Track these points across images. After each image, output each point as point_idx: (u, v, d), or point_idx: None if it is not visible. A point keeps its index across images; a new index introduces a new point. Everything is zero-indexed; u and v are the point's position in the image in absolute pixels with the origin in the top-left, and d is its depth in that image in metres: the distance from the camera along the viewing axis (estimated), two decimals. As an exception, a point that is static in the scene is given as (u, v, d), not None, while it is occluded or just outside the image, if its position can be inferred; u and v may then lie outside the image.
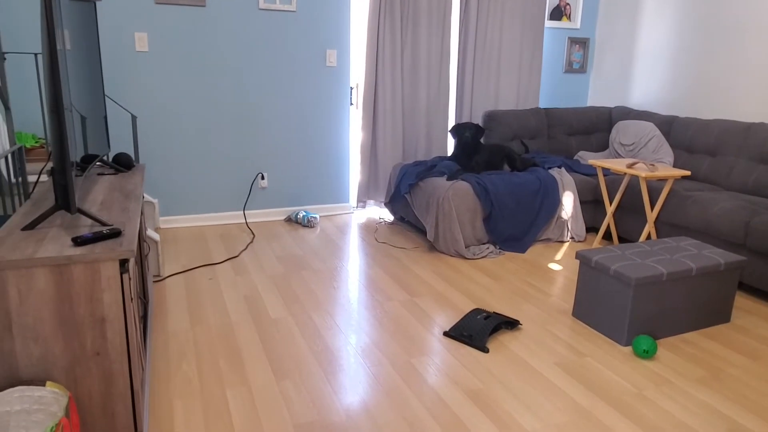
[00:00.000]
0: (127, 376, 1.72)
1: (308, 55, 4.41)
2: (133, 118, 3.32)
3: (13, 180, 2.84)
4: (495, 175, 4.01)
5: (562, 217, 4.12)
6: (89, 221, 1.90)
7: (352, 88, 4.66)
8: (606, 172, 4.23)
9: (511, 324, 2.74)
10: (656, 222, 3.78)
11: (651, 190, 3.83)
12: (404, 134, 4.77)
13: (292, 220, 4.55)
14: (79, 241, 1.66)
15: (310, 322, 2.77)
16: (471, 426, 2.00)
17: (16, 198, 2.86)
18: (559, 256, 3.85)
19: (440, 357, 2.47)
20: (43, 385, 1.61)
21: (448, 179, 3.87)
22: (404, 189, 4.10)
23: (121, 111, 4.01)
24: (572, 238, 4.19)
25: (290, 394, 2.16)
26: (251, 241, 3.99)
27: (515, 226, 3.95)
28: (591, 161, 3.87)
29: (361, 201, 4.80)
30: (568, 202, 4.12)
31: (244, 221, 4.47)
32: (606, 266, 2.68)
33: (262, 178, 4.50)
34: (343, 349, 2.52)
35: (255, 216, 4.54)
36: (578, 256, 2.86)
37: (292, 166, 4.58)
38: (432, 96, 4.75)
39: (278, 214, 4.61)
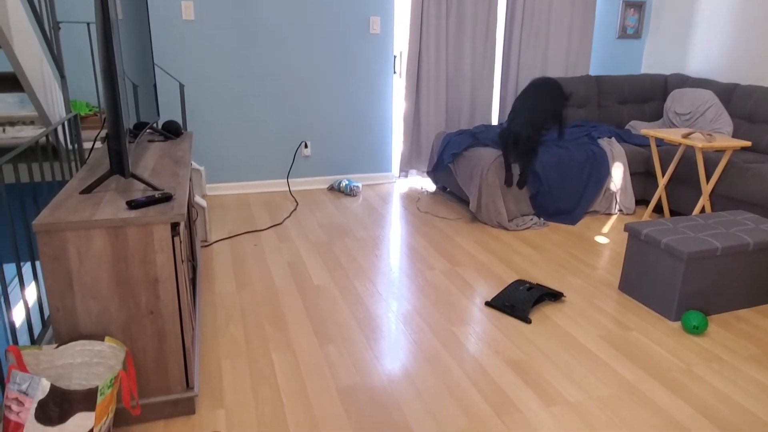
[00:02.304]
0: (178, 334, 1.80)
1: (352, 23, 4.37)
2: (181, 86, 3.38)
3: (70, 147, 2.95)
4: (543, 146, 3.91)
5: (610, 189, 4.00)
6: (142, 186, 1.96)
7: (395, 56, 4.59)
8: (659, 142, 4.06)
9: (555, 296, 2.71)
10: (711, 195, 3.61)
11: (707, 162, 3.66)
12: (448, 103, 4.69)
13: (334, 189, 4.58)
14: (133, 205, 1.72)
15: (352, 288, 2.81)
16: (511, 394, 2.00)
17: (73, 164, 2.97)
18: (606, 228, 3.75)
19: (481, 326, 2.47)
20: (102, 340, 1.70)
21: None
22: (447, 159, 4.06)
23: (169, 79, 4.08)
24: (620, 210, 4.06)
25: (333, 358, 2.21)
26: (294, 209, 4.04)
27: (563, 201, 3.86)
28: (644, 131, 3.72)
29: (404, 170, 4.78)
30: (618, 174, 3.99)
31: (287, 189, 4.53)
32: (656, 239, 2.60)
33: (306, 146, 4.53)
34: (385, 316, 2.55)
35: (298, 184, 4.59)
36: (627, 228, 2.77)
37: (335, 135, 4.59)
38: (477, 63, 4.63)
39: (321, 182, 4.65)
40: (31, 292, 2.25)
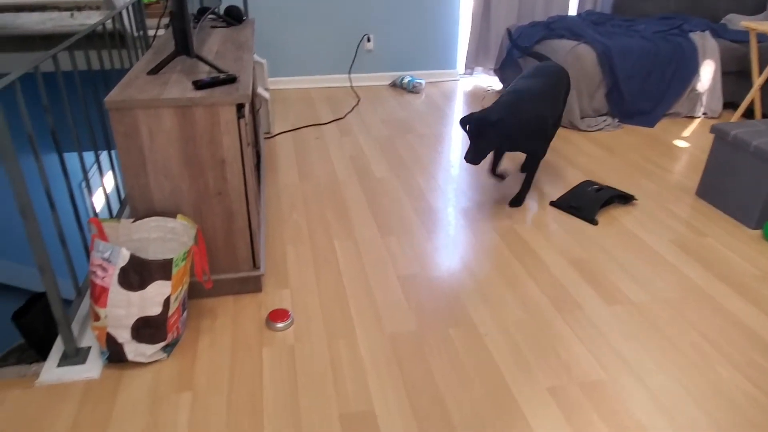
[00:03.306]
0: (245, 216, 1.85)
1: None
2: (242, -30, 3.25)
3: (136, 34, 2.96)
4: (625, 38, 3.58)
5: (696, 90, 3.67)
6: (206, 68, 1.94)
7: (467, -62, 4.21)
8: (761, 37, 3.63)
9: (625, 198, 2.59)
10: (815, 97, 3.25)
11: (815, 59, 3.25)
12: (522, -8, 4.32)
13: (396, 85, 4.44)
14: (199, 85, 1.71)
15: (414, 182, 2.78)
16: (573, 292, 1.97)
17: (140, 51, 2.99)
18: (687, 132, 3.49)
19: (545, 225, 2.41)
20: (174, 217, 1.77)
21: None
22: (518, 53, 3.81)
23: (229, -35, 3.94)
24: (705, 113, 3.75)
25: (393, 248, 2.24)
26: (356, 104, 3.97)
27: (643, 100, 3.59)
28: (744, 23, 3.31)
29: (469, 67, 4.55)
30: (707, 73, 3.63)
31: (349, 84, 4.44)
32: (746, 141, 2.38)
33: (368, 40, 4.36)
34: (446, 210, 2.53)
35: (360, 80, 4.47)
36: (714, 129, 2.55)
37: (399, 29, 4.37)
38: (558, -54, 4.19)
39: (383, 78, 4.51)
40: (108, 180, 2.36)
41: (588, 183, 2.67)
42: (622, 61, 3.46)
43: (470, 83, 4.54)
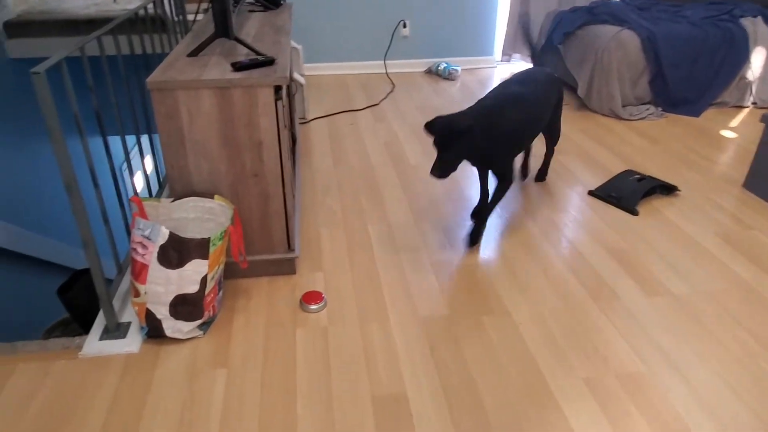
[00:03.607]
0: (281, 198, 1.86)
1: None
2: (280, -46, 3.25)
3: (175, 18, 3.00)
4: (671, 23, 3.45)
5: (746, 78, 3.52)
6: (245, 51, 1.95)
7: None
8: (817, 22, 3.45)
9: (668, 189, 2.51)
10: None
11: None
12: (563, -24, 4.21)
13: (432, 72, 4.40)
14: (237, 67, 1.73)
15: (448, 170, 2.75)
16: (610, 282, 1.93)
17: (179, 36, 3.03)
18: (734, 122, 3.35)
19: (582, 215, 2.36)
20: (212, 198, 1.79)
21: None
22: (557, 39, 3.72)
23: (267, -49, 3.95)
24: (754, 103, 3.60)
25: (427, 233, 2.22)
26: (391, 91, 3.95)
27: (688, 88, 3.46)
28: (800, 7, 3.16)
29: (507, 54, 4.47)
30: (758, 60, 3.48)
31: (384, 71, 4.41)
32: (800, 131, 2.28)
33: (404, 26, 4.32)
34: (481, 199, 2.50)
35: (395, 66, 4.44)
36: (764, 118, 2.45)
37: (435, 14, 4.32)
38: (602, -72, 4.05)
39: (418, 65, 4.47)
40: (147, 163, 2.41)
41: (629, 172, 2.60)
42: (668, 47, 3.34)
43: (507, 70, 4.46)
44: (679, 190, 2.54)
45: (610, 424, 1.39)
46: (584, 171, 2.74)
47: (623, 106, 3.42)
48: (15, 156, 3.04)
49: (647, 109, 3.44)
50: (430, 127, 1.88)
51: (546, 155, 2.62)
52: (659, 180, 2.52)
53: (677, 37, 3.36)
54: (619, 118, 3.40)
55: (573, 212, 2.38)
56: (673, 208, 2.41)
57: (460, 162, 1.88)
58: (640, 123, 3.35)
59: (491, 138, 1.92)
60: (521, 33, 4.28)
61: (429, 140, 3.10)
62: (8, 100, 3.07)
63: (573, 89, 3.83)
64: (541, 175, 2.64)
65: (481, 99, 2.07)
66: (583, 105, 3.60)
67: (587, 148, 3.00)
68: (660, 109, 3.47)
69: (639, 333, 1.69)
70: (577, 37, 3.59)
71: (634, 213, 2.35)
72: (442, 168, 1.84)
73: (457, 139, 1.82)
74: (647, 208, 2.41)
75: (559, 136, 2.54)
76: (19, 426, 1.39)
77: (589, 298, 1.85)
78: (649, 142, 3.07)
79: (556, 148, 2.68)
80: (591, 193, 2.52)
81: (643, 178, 2.52)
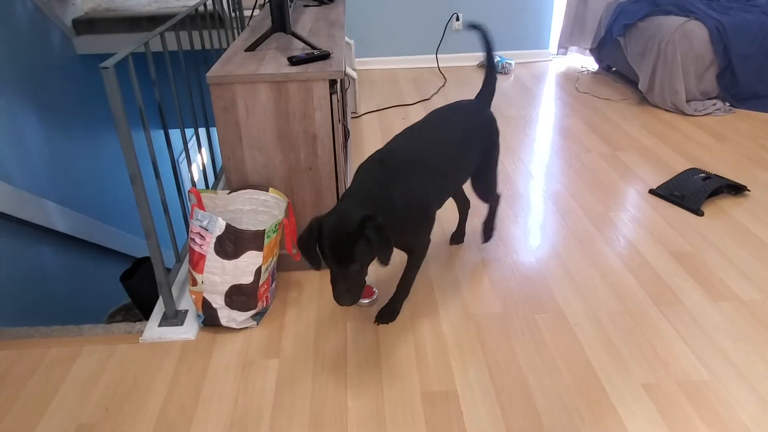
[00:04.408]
0: (334, 192, 1.87)
1: None
2: (335, -51, 3.26)
3: (232, 14, 3.06)
4: (742, 13, 3.26)
5: (825, 71, 3.28)
6: (301, 45, 1.97)
7: None
8: None
9: (736, 189, 2.37)
10: None
11: None
12: (625, -34, 4.05)
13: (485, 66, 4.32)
14: (294, 61, 1.74)
15: (500, 166, 2.70)
16: (673, 286, 1.84)
17: (236, 32, 3.10)
18: (811, 118, 3.14)
19: (643, 214, 2.26)
20: (267, 190, 1.82)
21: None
22: (618, 31, 3.58)
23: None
24: (834, 98, 3.35)
25: (478, 229, 2.19)
26: (443, 85, 3.91)
27: (760, 82, 3.26)
28: None
29: (563, 47, 4.34)
30: (839, 51, 3.24)
31: (436, 65, 4.37)
32: None
33: (457, 19, 4.26)
34: (534, 195, 2.44)
35: (447, 60, 4.40)
36: None
37: (489, 7, 4.24)
38: None
39: (471, 59, 4.41)
40: (203, 156, 2.47)
41: (694, 171, 2.48)
42: (738, 38, 3.16)
43: (563, 64, 4.34)
44: (749, 190, 2.40)
45: (669, 431, 1.33)
46: (644, 168, 2.63)
47: (687, 101, 3.27)
48: (81, 148, 3.19)
49: (714, 105, 3.27)
50: (309, 239, 1.32)
51: (461, 215, 2.08)
52: (726, 179, 2.39)
53: (748, 28, 3.17)
54: (682, 113, 3.24)
55: (632, 210, 2.29)
56: (741, 209, 2.28)
57: (369, 264, 1.36)
58: (706, 119, 3.19)
59: (399, 221, 1.43)
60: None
61: (481, 135, 3.05)
62: (75, 95, 3.22)
63: (634, 83, 3.68)
64: (458, 237, 2.11)
65: (379, 158, 1.54)
66: (644, 99, 3.45)
67: (648, 145, 2.87)
68: (728, 104, 3.29)
69: (703, 339, 1.61)
70: (638, 28, 3.45)
71: (699, 213, 2.24)
72: (352, 289, 1.31)
73: (356, 241, 1.28)
74: (713, 208, 2.29)
75: (492, 193, 1.88)
76: (85, 404, 1.46)
77: (649, 301, 1.77)
78: (715, 139, 2.91)
79: (497, 207, 2.02)
80: (652, 191, 2.42)
81: (709, 176, 2.40)
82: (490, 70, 1.90)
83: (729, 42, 3.15)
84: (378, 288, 1.86)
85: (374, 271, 1.96)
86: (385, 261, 1.32)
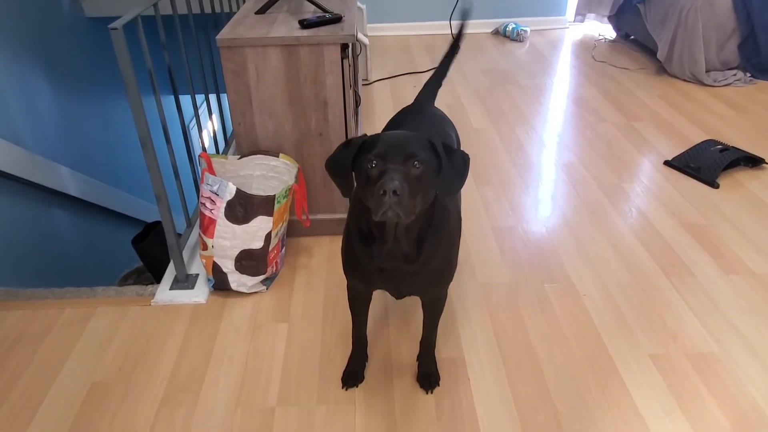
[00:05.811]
0: (344, 158, 1.86)
1: None
2: None
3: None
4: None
5: None
6: (312, 8, 1.93)
7: None
8: None
9: (753, 161, 2.33)
10: None
11: None
12: (647, -71, 3.90)
13: (499, 33, 4.23)
14: (305, 24, 1.71)
15: (512, 135, 2.67)
16: (686, 258, 1.83)
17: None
18: (834, 90, 3.06)
19: (657, 186, 2.23)
20: (277, 156, 1.81)
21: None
22: (638, -3, 3.47)
23: None
24: None
25: (489, 199, 2.18)
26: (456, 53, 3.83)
27: (781, 50, 3.17)
28: None
29: (580, 14, 4.23)
30: None
31: (449, 32, 4.28)
32: None
33: (472, -16, 4.16)
34: (546, 164, 2.41)
35: (460, 27, 4.30)
36: None
37: (505, -29, 4.13)
38: None
39: (485, 26, 4.31)
40: (214, 121, 2.46)
41: (711, 142, 2.43)
42: (762, 6, 3.05)
43: (579, 31, 4.23)
44: (766, 163, 2.36)
45: (676, 402, 1.33)
46: (660, 139, 2.59)
47: (707, 71, 3.18)
48: (92, 113, 3.19)
49: (734, 75, 3.18)
50: (346, 152, 1.04)
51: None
52: (744, 151, 2.35)
53: (775, -5, 3.06)
54: (701, 83, 3.17)
55: (646, 182, 2.26)
56: (758, 182, 2.24)
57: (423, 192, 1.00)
58: (725, 89, 3.11)
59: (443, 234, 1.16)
60: None
61: (493, 103, 3.00)
62: (85, 59, 3.19)
63: (652, 52, 3.59)
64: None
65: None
66: (662, 69, 3.37)
67: (665, 115, 2.82)
68: (749, 75, 3.20)
69: (714, 312, 1.60)
70: (659, -5, 3.34)
71: (714, 185, 2.21)
72: (403, 194, 0.91)
73: (427, 147, 1.00)
74: (729, 180, 2.25)
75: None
76: (99, 363, 1.49)
77: (660, 273, 1.76)
78: (734, 111, 2.85)
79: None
80: (667, 163, 2.38)
81: (727, 148, 2.35)
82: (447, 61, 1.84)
83: (752, 10, 3.05)
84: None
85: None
86: (451, 191, 1.06)
